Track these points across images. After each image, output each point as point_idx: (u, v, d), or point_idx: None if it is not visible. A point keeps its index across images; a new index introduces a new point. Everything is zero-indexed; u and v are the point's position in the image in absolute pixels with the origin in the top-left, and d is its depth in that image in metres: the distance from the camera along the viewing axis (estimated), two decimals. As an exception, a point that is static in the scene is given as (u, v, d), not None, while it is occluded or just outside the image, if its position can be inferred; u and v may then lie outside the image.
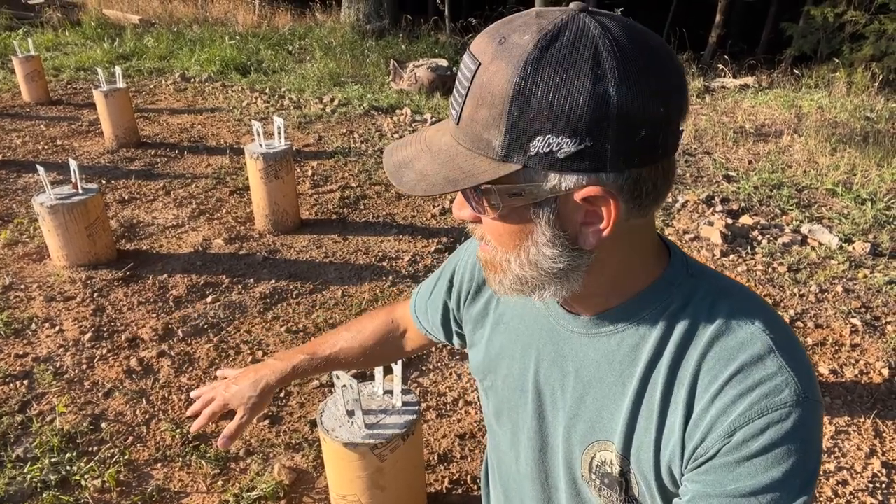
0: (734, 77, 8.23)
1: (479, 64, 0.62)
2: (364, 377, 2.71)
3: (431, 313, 1.06)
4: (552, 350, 0.81)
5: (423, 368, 2.83)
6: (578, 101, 0.59)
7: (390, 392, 1.93)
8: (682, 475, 0.71)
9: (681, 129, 0.66)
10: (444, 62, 7.59)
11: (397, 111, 6.48)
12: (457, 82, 0.66)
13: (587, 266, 0.70)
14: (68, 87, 7.18)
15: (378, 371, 1.91)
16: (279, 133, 3.90)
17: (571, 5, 0.63)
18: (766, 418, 0.65)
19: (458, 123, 0.65)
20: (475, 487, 2.25)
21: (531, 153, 0.61)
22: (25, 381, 2.68)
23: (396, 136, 5.76)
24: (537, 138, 0.60)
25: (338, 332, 1.21)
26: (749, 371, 0.67)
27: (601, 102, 0.59)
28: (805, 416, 0.65)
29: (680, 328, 0.72)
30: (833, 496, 2.19)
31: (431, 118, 6.21)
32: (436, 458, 2.37)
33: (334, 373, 1.78)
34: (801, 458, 0.65)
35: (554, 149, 0.61)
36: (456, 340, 1.05)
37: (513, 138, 0.61)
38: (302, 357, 1.18)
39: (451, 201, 4.39)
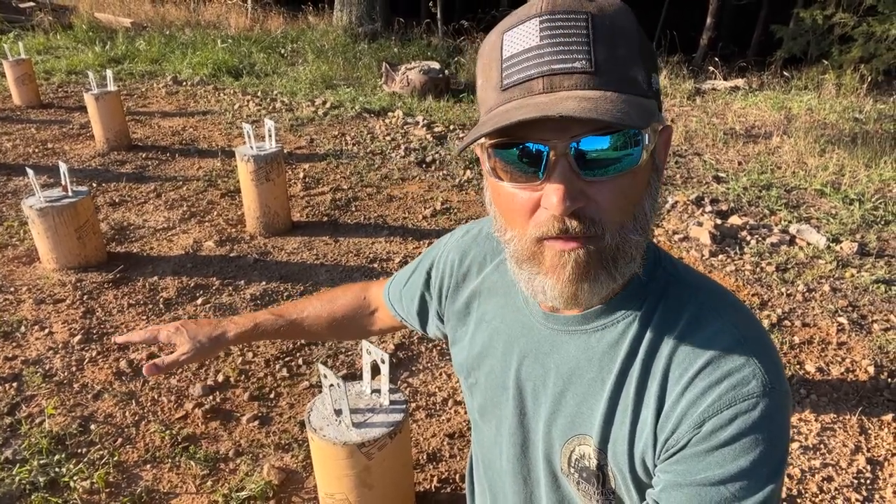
0: (724, 79, 8.28)
1: (588, 12, 0.61)
2: (354, 379, 2.72)
3: (407, 303, 1.06)
4: (533, 347, 0.82)
5: (413, 369, 2.84)
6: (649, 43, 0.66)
7: (378, 391, 1.94)
8: (655, 466, 0.72)
9: None
10: (436, 65, 7.61)
11: (389, 114, 6.50)
12: (558, 39, 0.60)
13: None
14: (59, 90, 7.16)
15: (366, 370, 1.92)
16: (270, 135, 3.90)
17: None
18: (734, 409, 0.66)
19: (595, 71, 0.60)
20: (463, 486, 2.26)
21: (654, 88, 0.65)
22: (14, 384, 2.67)
23: (388, 138, 5.77)
24: (653, 75, 0.65)
25: (308, 299, 1.20)
26: (717, 363, 0.69)
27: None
28: (772, 406, 0.67)
29: (654, 325, 0.74)
30: (818, 492, 2.20)
31: (423, 120, 6.23)
32: (425, 457, 2.38)
33: (322, 372, 1.79)
34: (769, 447, 0.66)
35: (657, 87, 0.66)
36: (432, 330, 1.06)
37: (646, 73, 0.64)
38: (267, 316, 1.16)
39: (443, 203, 4.42)
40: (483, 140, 0.67)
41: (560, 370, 0.79)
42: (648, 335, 0.73)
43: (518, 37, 0.62)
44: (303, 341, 2.97)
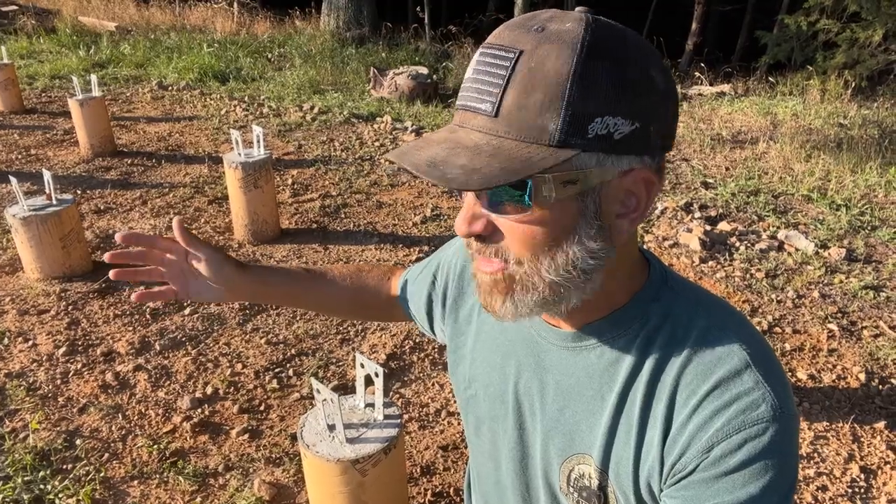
0: (711, 84, 8.34)
1: (521, 51, 0.60)
2: (346, 390, 2.69)
3: (416, 301, 1.05)
4: (533, 361, 0.81)
5: (406, 379, 2.81)
6: (633, 82, 0.61)
7: (372, 405, 1.91)
8: (662, 491, 0.71)
9: None
10: (424, 70, 7.60)
11: (378, 119, 6.47)
12: (481, 76, 0.62)
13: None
14: (43, 95, 7.06)
15: (360, 383, 1.89)
16: (258, 142, 3.86)
17: (578, 9, 0.64)
18: (744, 434, 0.65)
19: (496, 115, 0.61)
20: (458, 500, 2.24)
21: (589, 136, 0.60)
22: (-3, 398, 2.62)
23: (377, 143, 5.75)
24: (595, 120, 0.60)
25: (336, 265, 1.17)
26: (726, 386, 0.68)
27: (651, 83, 0.62)
28: (781, 430, 0.66)
29: (659, 343, 0.72)
30: (814, 502, 2.20)
31: (412, 125, 6.21)
32: (418, 470, 2.35)
33: (315, 386, 1.76)
34: (779, 473, 0.65)
35: (611, 130, 0.61)
36: (438, 333, 1.04)
37: (572, 121, 0.59)
38: (288, 271, 1.09)
39: (433, 209, 4.39)
40: None
41: (559, 386, 0.78)
42: (654, 354, 0.72)
43: (473, 61, 0.65)
44: (293, 351, 2.94)
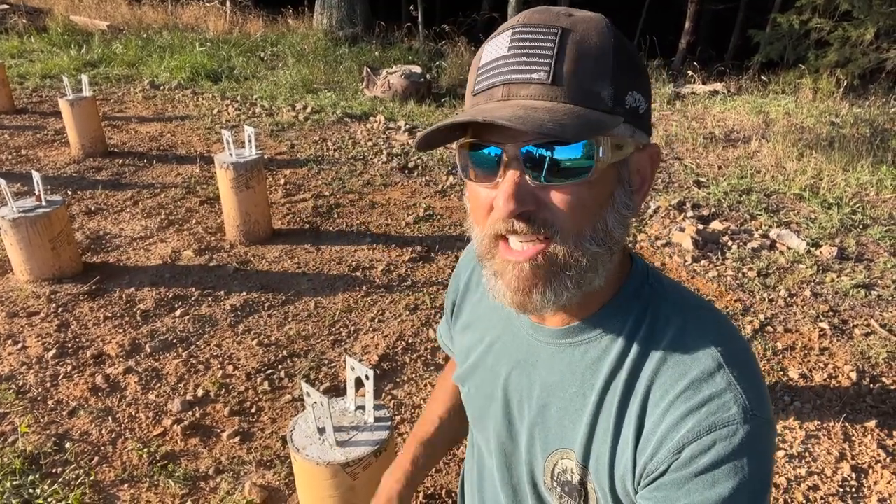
0: (703, 83, 8.35)
1: (562, 27, 0.63)
2: (338, 392, 2.68)
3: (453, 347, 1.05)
4: (521, 359, 0.83)
5: (398, 380, 2.80)
6: (642, 65, 0.68)
7: (362, 408, 1.90)
8: (636, 492, 0.72)
9: None
10: (417, 69, 7.58)
11: (371, 118, 6.45)
12: (525, 50, 0.63)
13: None
14: (33, 95, 7.02)
15: (350, 386, 1.88)
16: (250, 142, 3.85)
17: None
18: (714, 435, 0.66)
19: (552, 83, 0.62)
20: (450, 502, 2.23)
21: (626, 106, 0.65)
22: (-14, 401, 2.60)
23: (370, 143, 5.73)
24: (630, 92, 0.65)
25: (429, 406, 1.14)
26: (698, 387, 0.68)
27: (646, 70, 0.70)
28: (752, 433, 0.66)
29: (638, 342, 0.73)
30: (805, 501, 2.21)
31: (405, 125, 6.19)
32: (410, 471, 2.34)
33: (305, 389, 1.75)
34: (749, 475, 0.65)
35: (637, 104, 0.67)
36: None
37: (616, 90, 0.64)
38: (413, 448, 1.08)
39: (426, 209, 4.39)
40: (459, 140, 0.71)
41: (544, 383, 0.80)
42: (632, 352, 0.73)
43: (493, 47, 0.66)
44: (285, 353, 2.93)
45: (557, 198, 0.65)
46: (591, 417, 0.74)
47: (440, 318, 0.89)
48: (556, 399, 0.78)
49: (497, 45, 0.65)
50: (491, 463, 0.91)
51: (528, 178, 0.64)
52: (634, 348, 0.73)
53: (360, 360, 2.89)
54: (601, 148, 0.64)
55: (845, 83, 7.39)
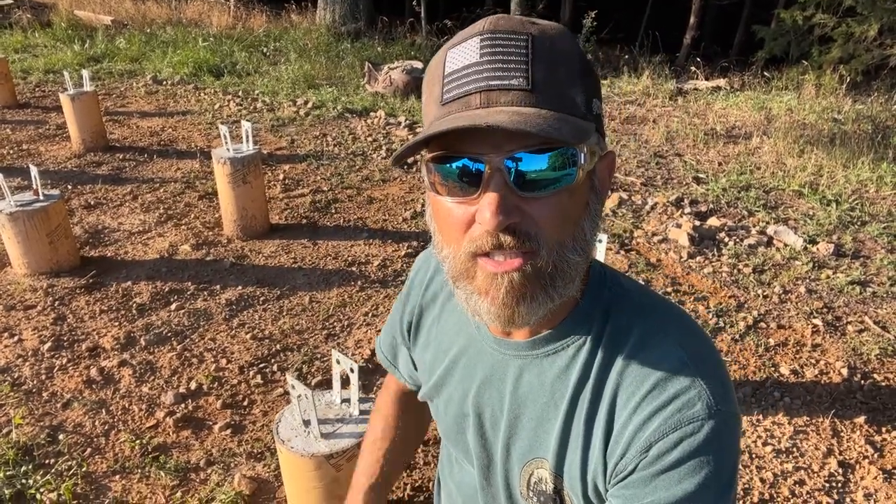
0: (706, 79, 8.32)
1: (530, 34, 0.62)
2: (329, 386, 2.70)
3: (397, 360, 1.06)
4: (488, 373, 0.82)
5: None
6: (597, 74, 0.69)
7: (348, 401, 1.92)
8: (607, 491, 0.73)
9: None
10: (419, 64, 7.58)
11: (371, 114, 6.46)
12: (497, 56, 0.61)
13: None
14: (36, 89, 7.06)
15: (336, 379, 1.90)
16: (247, 137, 3.86)
17: None
18: (680, 432, 0.66)
19: (531, 89, 0.61)
20: (437, 494, 2.25)
21: (594, 113, 0.66)
22: (-18, 393, 2.63)
23: (370, 138, 5.74)
24: (594, 99, 0.66)
25: (369, 436, 1.13)
26: (663, 387, 0.69)
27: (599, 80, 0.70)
28: (717, 428, 0.67)
29: (602, 347, 0.74)
30: (790, 496, 2.21)
31: (406, 120, 6.20)
32: (399, 464, 2.36)
33: (289, 382, 1.77)
34: (715, 470, 0.66)
35: (599, 111, 0.67)
36: (403, 374, 1.06)
37: (586, 96, 0.65)
38: (362, 482, 1.07)
39: (423, 205, 4.39)
40: (424, 154, 0.67)
41: (515, 395, 0.80)
42: (598, 359, 0.74)
43: (460, 54, 0.64)
44: (278, 347, 2.95)
45: (541, 208, 0.63)
46: (563, 426, 0.75)
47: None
48: (528, 410, 0.78)
49: (465, 52, 0.63)
50: (464, 477, 0.93)
51: (511, 189, 0.61)
52: (600, 354, 0.73)
53: (353, 355, 2.91)
54: (583, 155, 0.64)
55: (848, 79, 7.35)
